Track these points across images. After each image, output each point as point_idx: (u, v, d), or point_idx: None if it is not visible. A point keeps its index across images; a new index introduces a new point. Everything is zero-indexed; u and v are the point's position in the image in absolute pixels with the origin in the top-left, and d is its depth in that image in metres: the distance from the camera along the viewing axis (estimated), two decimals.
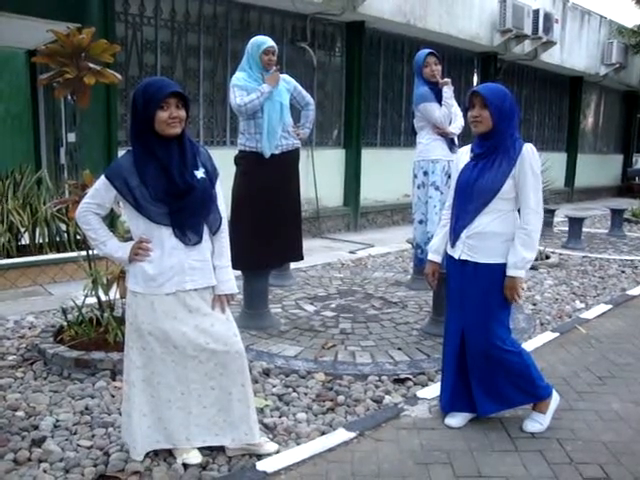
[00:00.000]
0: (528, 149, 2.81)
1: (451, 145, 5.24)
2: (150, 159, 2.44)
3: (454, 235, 2.97)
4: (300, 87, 4.65)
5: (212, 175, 2.56)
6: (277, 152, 4.33)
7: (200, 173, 2.50)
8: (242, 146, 4.39)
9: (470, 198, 2.88)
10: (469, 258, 2.90)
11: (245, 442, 2.65)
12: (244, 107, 4.20)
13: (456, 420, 3.03)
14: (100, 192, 2.49)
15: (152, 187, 2.41)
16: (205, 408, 2.60)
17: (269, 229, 4.31)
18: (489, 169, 2.83)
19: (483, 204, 2.85)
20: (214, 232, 2.58)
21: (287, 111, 4.40)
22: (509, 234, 2.85)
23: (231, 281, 2.63)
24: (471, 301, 2.91)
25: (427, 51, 5.19)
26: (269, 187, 4.30)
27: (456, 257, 2.96)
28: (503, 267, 2.85)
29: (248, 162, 4.35)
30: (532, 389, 2.97)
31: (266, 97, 4.21)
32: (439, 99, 5.16)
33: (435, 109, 5.14)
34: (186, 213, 2.47)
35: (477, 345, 2.91)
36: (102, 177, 2.48)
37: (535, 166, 2.81)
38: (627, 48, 14.99)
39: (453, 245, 2.99)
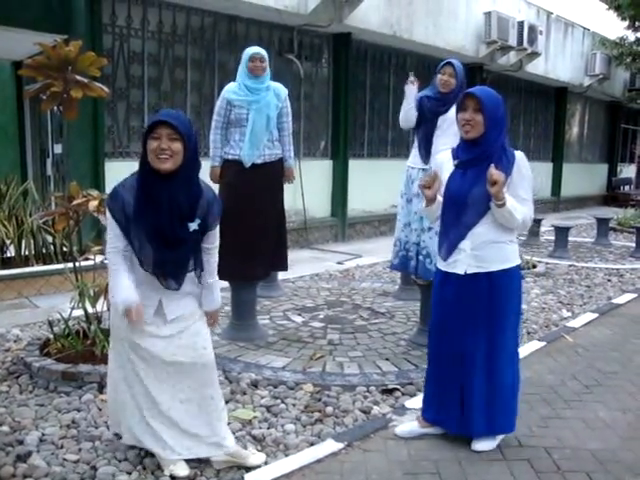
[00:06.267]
0: (521, 156, 2.77)
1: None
2: (144, 193, 2.36)
3: (447, 248, 2.82)
4: (289, 113, 4.56)
5: (208, 225, 2.48)
6: (259, 162, 4.34)
7: (194, 225, 2.42)
8: (225, 154, 4.41)
9: (464, 209, 2.75)
10: (480, 270, 2.76)
11: (223, 453, 2.64)
12: (212, 138, 4.45)
13: (409, 431, 3.02)
14: (115, 232, 2.40)
15: (142, 225, 2.35)
16: (175, 422, 2.58)
17: (253, 240, 4.29)
18: (483, 178, 2.66)
19: (480, 214, 2.73)
20: (198, 277, 2.56)
21: (273, 123, 4.41)
22: (512, 236, 2.80)
23: (215, 300, 2.63)
24: (486, 316, 2.78)
25: (447, 60, 4.80)
26: (252, 197, 4.29)
27: (461, 272, 2.79)
28: (517, 270, 2.81)
29: (230, 173, 4.37)
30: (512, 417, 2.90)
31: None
32: (439, 109, 4.81)
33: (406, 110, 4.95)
34: (170, 265, 2.43)
35: (485, 366, 2.81)
36: (107, 212, 2.41)
37: (525, 171, 2.76)
38: (610, 59, 15.17)
39: (446, 259, 2.83)
